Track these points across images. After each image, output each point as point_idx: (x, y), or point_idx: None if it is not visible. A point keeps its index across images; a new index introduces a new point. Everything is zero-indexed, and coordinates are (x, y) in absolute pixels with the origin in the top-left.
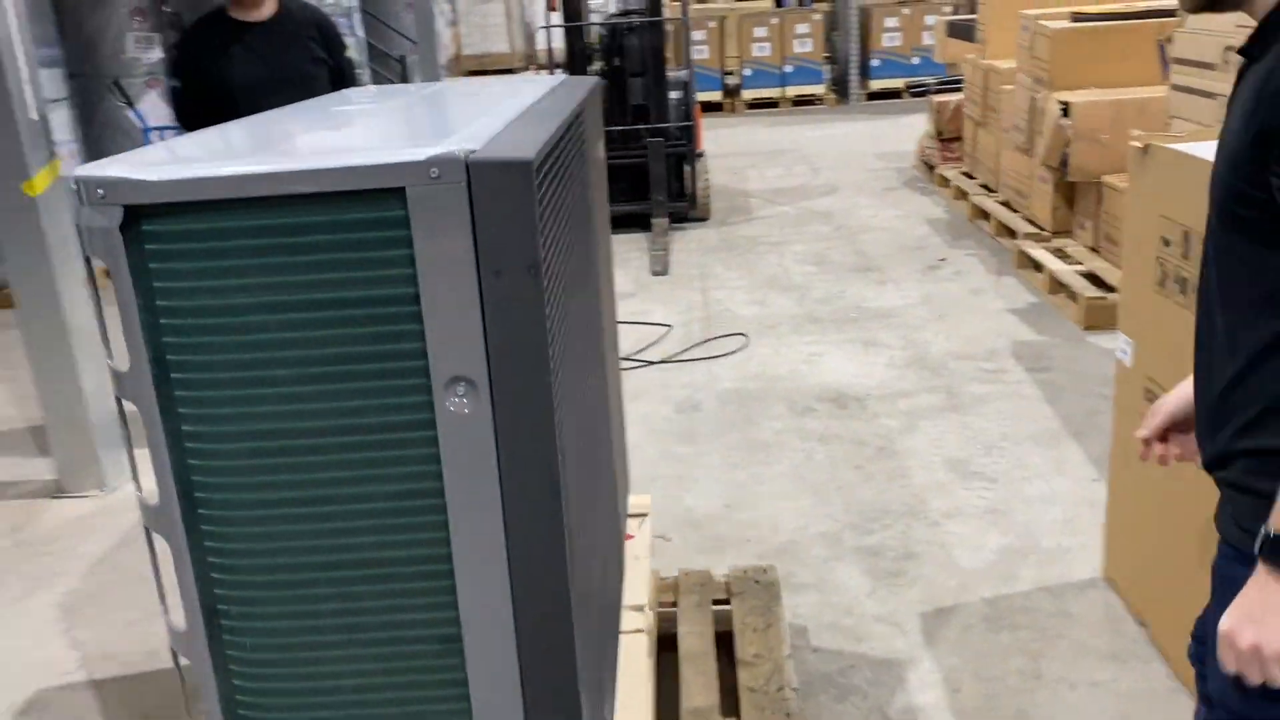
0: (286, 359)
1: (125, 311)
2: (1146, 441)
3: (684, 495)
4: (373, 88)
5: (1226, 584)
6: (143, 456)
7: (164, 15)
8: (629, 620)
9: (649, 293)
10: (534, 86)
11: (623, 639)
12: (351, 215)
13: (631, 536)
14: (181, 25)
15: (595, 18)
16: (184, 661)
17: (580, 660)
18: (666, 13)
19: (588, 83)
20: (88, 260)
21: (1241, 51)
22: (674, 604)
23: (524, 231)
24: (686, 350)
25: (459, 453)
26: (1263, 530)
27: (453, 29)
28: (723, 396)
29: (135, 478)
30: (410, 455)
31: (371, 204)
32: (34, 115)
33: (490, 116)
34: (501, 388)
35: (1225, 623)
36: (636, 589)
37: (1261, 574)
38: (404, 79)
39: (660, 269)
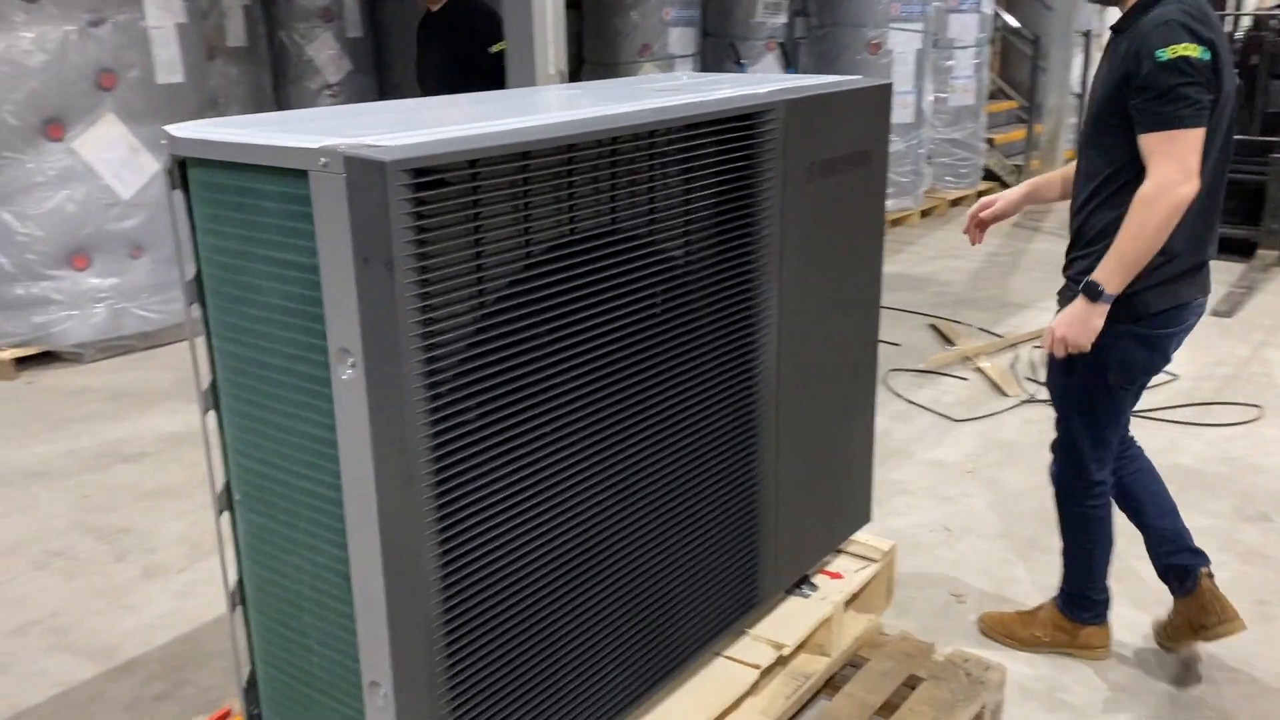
0: (249, 299)
1: (176, 230)
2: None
3: (1020, 562)
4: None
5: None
6: None
7: None
8: (744, 649)
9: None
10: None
11: (723, 663)
12: (278, 188)
13: (839, 576)
14: None
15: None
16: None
17: (460, 616)
18: None
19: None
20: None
21: (1114, 29)
22: (864, 662)
23: (380, 227)
24: (1168, 409)
25: (345, 414)
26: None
27: None
28: (1167, 471)
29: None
30: (319, 406)
31: (289, 181)
32: (552, 71)
33: (524, 118)
34: (370, 364)
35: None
36: (793, 627)
37: (1079, 300)
38: (1034, 62)
39: (1225, 310)
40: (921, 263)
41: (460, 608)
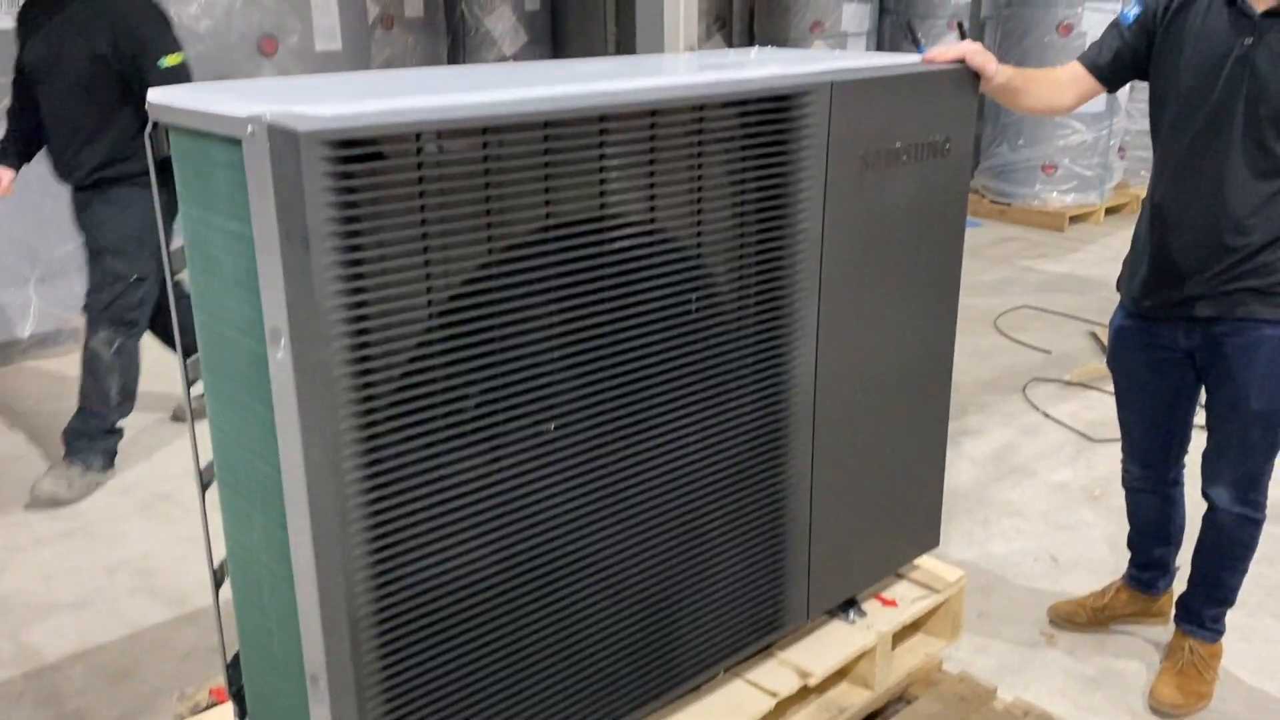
0: (212, 269)
1: (156, 199)
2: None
3: None
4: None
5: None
6: None
7: None
8: (768, 673)
9: None
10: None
11: (741, 686)
12: (225, 155)
13: (892, 603)
14: None
15: None
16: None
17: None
18: None
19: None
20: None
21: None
22: (913, 699)
23: (296, 202)
24: None
25: (280, 395)
26: None
27: None
28: None
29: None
30: (265, 384)
31: (232, 149)
32: (683, 46)
33: (508, 90)
34: (296, 347)
35: None
36: (828, 655)
37: None
38: None
39: None
40: (1097, 264)
41: (396, 609)
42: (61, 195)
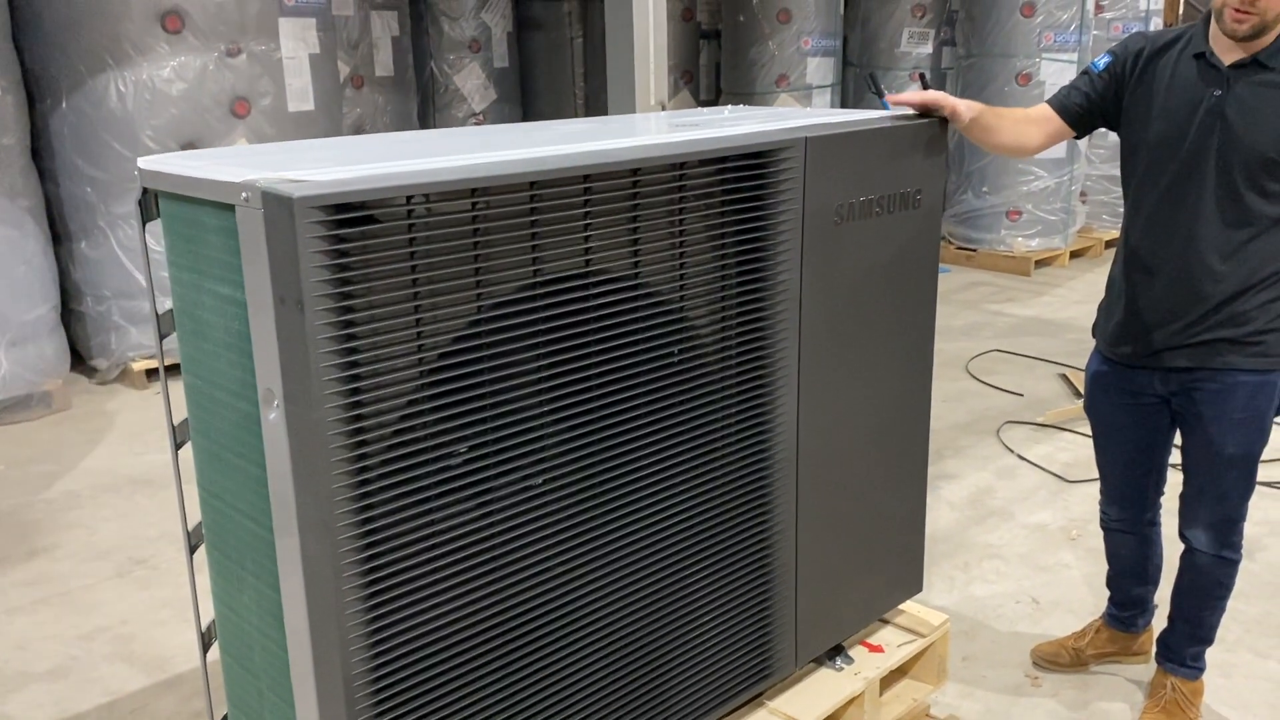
0: (202, 333)
1: (146, 262)
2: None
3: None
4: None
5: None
6: None
7: (945, 11)
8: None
9: None
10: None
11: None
12: (218, 221)
13: (879, 649)
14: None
15: None
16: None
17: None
18: None
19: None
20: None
21: (1258, 62)
22: None
23: (290, 266)
24: None
25: (272, 455)
26: None
27: None
28: None
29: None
30: (257, 445)
31: (225, 215)
32: (653, 101)
33: (471, 155)
34: (290, 408)
35: None
36: (816, 702)
37: None
38: None
39: None
40: (1064, 307)
41: (390, 668)
42: (33, 260)
